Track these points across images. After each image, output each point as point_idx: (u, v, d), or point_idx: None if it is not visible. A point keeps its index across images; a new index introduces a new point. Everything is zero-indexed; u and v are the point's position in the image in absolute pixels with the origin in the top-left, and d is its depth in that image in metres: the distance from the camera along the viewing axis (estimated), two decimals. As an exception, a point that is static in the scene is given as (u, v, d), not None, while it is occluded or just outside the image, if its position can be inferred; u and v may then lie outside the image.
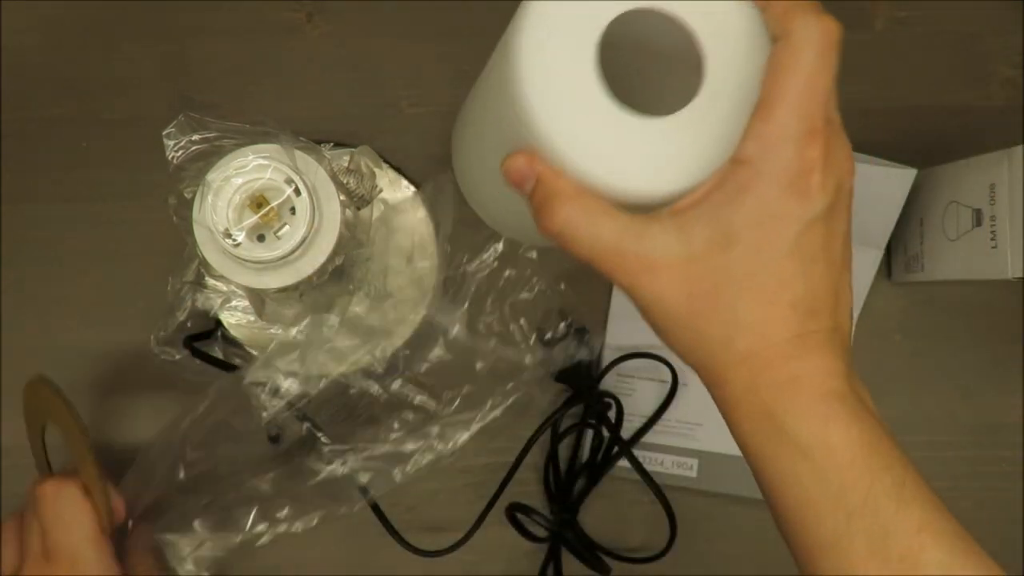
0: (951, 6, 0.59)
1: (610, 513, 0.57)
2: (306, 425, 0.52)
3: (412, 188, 0.55)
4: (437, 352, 0.55)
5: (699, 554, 0.57)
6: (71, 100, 0.57)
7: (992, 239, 0.49)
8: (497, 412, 0.54)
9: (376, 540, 0.54)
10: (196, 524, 0.52)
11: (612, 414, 0.55)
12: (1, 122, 0.57)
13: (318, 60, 0.58)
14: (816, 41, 0.34)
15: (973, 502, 0.58)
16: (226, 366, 0.52)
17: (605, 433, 0.55)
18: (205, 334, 0.53)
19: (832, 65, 0.35)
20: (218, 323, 0.53)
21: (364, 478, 0.53)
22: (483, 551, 0.56)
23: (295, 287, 0.46)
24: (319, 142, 0.51)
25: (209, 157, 0.46)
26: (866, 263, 0.57)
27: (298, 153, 0.45)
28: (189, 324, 0.52)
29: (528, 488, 0.56)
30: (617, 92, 0.37)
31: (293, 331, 0.53)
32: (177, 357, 0.52)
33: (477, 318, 0.56)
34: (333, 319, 0.52)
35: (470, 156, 0.48)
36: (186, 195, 0.47)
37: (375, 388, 0.55)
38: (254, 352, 0.54)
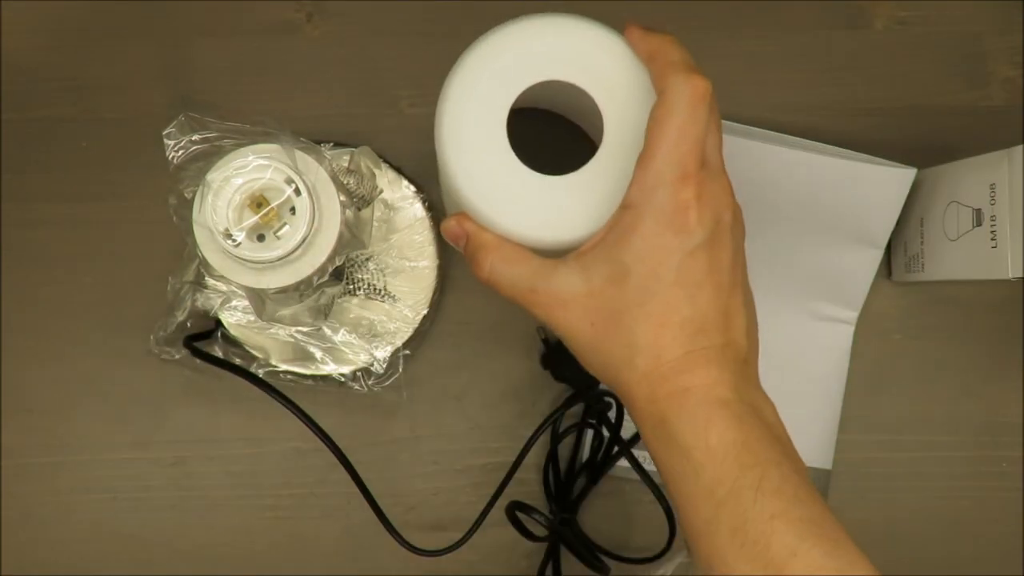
0: (951, 6, 0.59)
1: (610, 513, 0.57)
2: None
3: (412, 188, 0.55)
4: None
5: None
6: (71, 100, 0.57)
7: (992, 239, 0.49)
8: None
9: (376, 540, 0.53)
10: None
11: (612, 414, 0.55)
12: (1, 122, 0.57)
13: (318, 60, 0.58)
14: (687, 96, 0.39)
15: (973, 502, 0.58)
16: (226, 366, 0.52)
17: (605, 433, 0.55)
18: (205, 334, 0.53)
19: (702, 118, 0.39)
20: (218, 323, 0.53)
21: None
22: (483, 551, 0.56)
23: (295, 287, 0.46)
24: (319, 142, 0.51)
25: (209, 157, 0.46)
26: (866, 263, 0.57)
27: (298, 153, 0.45)
28: (189, 324, 0.52)
29: (528, 488, 0.56)
30: (547, 144, 0.43)
31: (292, 331, 0.53)
32: (177, 357, 0.52)
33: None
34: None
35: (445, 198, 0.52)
36: (186, 195, 0.47)
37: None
38: (254, 352, 0.54)
